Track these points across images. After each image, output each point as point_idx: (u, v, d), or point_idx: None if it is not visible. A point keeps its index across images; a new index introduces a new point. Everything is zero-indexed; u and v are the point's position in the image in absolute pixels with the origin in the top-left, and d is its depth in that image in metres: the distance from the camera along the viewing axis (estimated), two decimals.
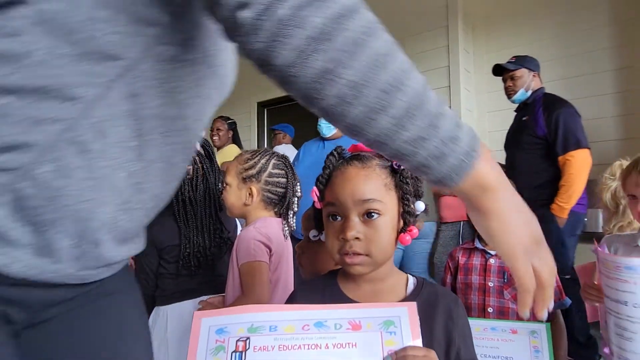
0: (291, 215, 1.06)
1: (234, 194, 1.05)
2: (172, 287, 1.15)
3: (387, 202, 0.60)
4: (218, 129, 3.02)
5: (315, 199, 0.65)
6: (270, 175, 1.04)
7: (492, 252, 1.22)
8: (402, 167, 0.62)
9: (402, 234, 0.62)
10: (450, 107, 2.75)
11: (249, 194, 1.03)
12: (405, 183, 0.62)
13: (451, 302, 0.63)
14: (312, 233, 0.77)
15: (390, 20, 3.10)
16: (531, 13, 3.05)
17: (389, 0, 3.41)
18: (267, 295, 0.94)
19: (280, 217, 1.07)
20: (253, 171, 1.03)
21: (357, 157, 0.64)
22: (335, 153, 0.66)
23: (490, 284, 1.18)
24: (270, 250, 0.99)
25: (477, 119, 3.19)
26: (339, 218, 0.61)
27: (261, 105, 4.45)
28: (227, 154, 2.90)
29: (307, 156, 2.40)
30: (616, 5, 2.72)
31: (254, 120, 4.47)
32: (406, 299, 0.62)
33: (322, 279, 0.70)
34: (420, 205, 0.64)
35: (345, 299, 0.62)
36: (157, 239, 1.13)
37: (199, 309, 1.00)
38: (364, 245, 0.59)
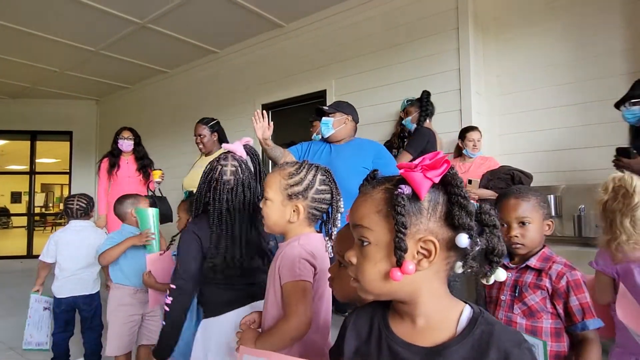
0: (335, 232, 1.00)
1: (278, 211, 0.98)
2: (216, 296, 1.19)
3: (377, 230, 0.56)
4: (200, 135, 2.82)
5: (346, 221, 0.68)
6: (317, 191, 0.99)
7: (511, 266, 1.19)
8: (398, 194, 0.54)
9: (393, 268, 0.55)
10: (460, 110, 2.72)
11: (294, 211, 0.98)
12: (397, 213, 0.53)
13: (511, 346, 0.52)
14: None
15: (401, 23, 3.09)
16: (542, 15, 3.03)
17: (401, 2, 3.38)
18: (309, 316, 0.90)
19: (320, 232, 1.03)
20: (299, 188, 0.97)
21: (371, 183, 0.62)
22: (368, 177, 0.65)
23: (503, 297, 1.16)
24: (315, 269, 0.94)
25: (487, 122, 3.17)
26: None
27: (265, 108, 4.40)
28: None
29: (314, 159, 2.30)
30: (629, 8, 2.71)
31: None
32: (453, 339, 0.55)
33: (373, 306, 0.66)
34: (461, 239, 0.54)
35: (390, 333, 0.60)
36: (205, 241, 1.17)
37: (238, 332, 0.96)
38: (354, 270, 0.59)
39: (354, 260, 0.59)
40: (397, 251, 0.54)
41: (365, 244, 0.57)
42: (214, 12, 3.79)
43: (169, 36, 4.23)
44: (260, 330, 0.98)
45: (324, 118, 2.25)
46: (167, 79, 5.54)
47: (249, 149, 1.33)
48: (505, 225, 1.16)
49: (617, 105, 2.31)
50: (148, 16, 3.81)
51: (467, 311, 0.58)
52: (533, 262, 1.14)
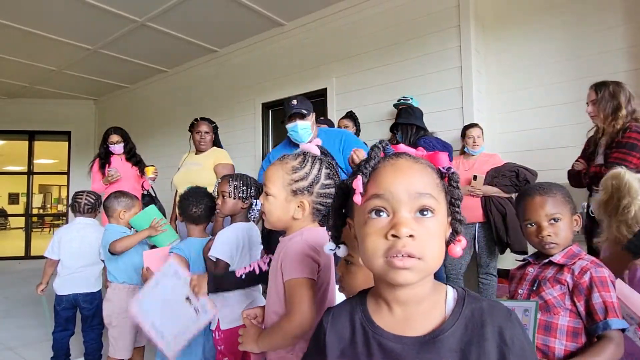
0: None
1: (281, 207, 0.93)
2: None
3: (440, 202, 0.54)
4: (206, 132, 2.80)
5: (360, 189, 0.55)
6: (323, 186, 0.94)
7: (534, 261, 1.15)
8: (451, 171, 0.57)
9: (451, 244, 0.56)
10: (462, 107, 2.70)
11: (299, 207, 0.93)
12: (456, 187, 0.57)
13: (503, 320, 0.52)
14: (328, 247, 0.67)
15: (403, 21, 3.05)
16: (542, 13, 3.01)
17: (402, 0, 3.37)
18: (313, 315, 0.86)
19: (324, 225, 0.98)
20: (305, 183, 0.92)
21: (406, 153, 0.58)
22: (380, 145, 0.59)
23: (520, 291, 1.12)
24: (319, 265, 0.91)
25: (488, 120, 3.15)
26: (385, 214, 0.52)
27: (265, 107, 4.38)
28: (220, 156, 2.77)
29: None
30: (629, 5, 2.69)
31: (259, 121, 4.40)
32: (445, 322, 0.53)
33: (350, 303, 0.62)
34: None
35: (376, 329, 0.55)
36: None
37: (241, 327, 0.93)
38: (417, 246, 0.50)
39: (415, 234, 0.51)
40: (458, 225, 0.56)
41: (428, 214, 0.52)
42: (213, 11, 3.77)
43: (168, 35, 4.20)
44: (263, 326, 0.95)
45: (300, 122, 1.95)
46: (167, 78, 5.51)
47: (321, 149, 1.28)
48: (534, 225, 1.09)
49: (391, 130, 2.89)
50: (147, 14, 3.79)
51: (451, 291, 0.56)
52: (557, 258, 1.08)
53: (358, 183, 0.55)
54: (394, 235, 0.50)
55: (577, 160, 2.27)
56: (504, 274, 2.70)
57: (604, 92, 2.08)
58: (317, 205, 0.95)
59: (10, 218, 13.26)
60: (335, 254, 0.97)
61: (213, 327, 1.57)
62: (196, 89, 5.13)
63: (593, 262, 1.06)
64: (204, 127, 2.80)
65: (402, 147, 0.60)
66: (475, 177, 2.59)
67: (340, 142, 1.99)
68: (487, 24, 3.23)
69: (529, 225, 1.11)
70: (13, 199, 13.10)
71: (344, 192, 0.63)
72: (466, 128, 2.84)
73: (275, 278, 0.92)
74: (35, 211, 10.96)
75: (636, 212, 1.17)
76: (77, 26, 4.02)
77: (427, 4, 3.24)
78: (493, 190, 2.57)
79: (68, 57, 4.78)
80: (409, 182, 0.53)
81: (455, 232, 0.57)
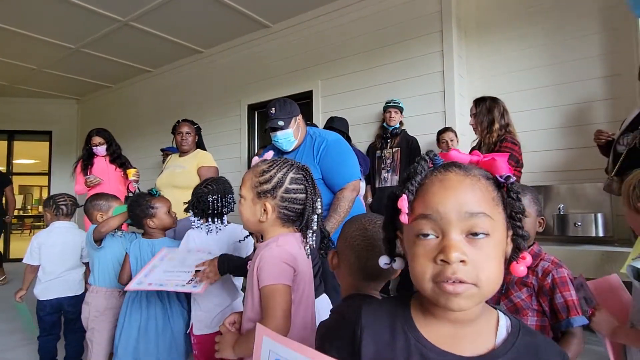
0: (310, 234, 0.97)
1: (249, 209, 0.96)
2: None
3: (496, 219, 0.49)
4: (188, 133, 2.78)
5: (405, 210, 0.50)
6: (287, 191, 0.94)
7: None
8: (511, 181, 0.51)
9: (513, 262, 0.52)
10: (444, 111, 2.75)
11: (264, 210, 0.94)
12: (516, 199, 0.50)
13: (555, 358, 0.50)
14: (383, 260, 0.62)
15: (386, 25, 3.08)
16: (522, 19, 3.09)
17: (385, 4, 3.41)
18: (287, 320, 0.88)
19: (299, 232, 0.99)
20: (268, 186, 0.93)
21: (455, 164, 0.52)
22: (427, 158, 0.54)
23: None
24: (295, 271, 0.92)
25: (469, 124, 3.21)
26: (433, 236, 0.48)
27: (251, 108, 4.37)
28: (203, 159, 2.76)
29: None
30: (606, 13, 2.78)
31: (245, 122, 4.38)
32: (498, 349, 0.49)
33: (392, 307, 0.57)
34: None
35: (420, 338, 0.51)
36: None
37: (217, 334, 0.93)
38: (470, 272, 0.46)
39: (467, 259, 0.46)
40: (521, 240, 0.51)
41: (481, 236, 0.47)
42: (199, 11, 3.74)
43: (153, 35, 4.15)
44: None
45: (279, 132, 1.83)
46: (151, 78, 5.45)
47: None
48: None
49: None
50: (131, 14, 3.74)
51: (504, 319, 0.53)
52: None
53: (403, 203, 0.50)
54: (443, 260, 0.47)
55: None
56: None
57: (482, 107, 2.24)
58: (282, 210, 0.95)
59: None
60: (310, 254, 0.99)
61: (187, 331, 1.57)
62: (181, 90, 5.08)
63: (554, 262, 1.13)
64: (185, 128, 2.79)
65: (454, 154, 0.55)
66: None
67: (319, 151, 1.83)
68: (469, 30, 3.29)
69: None
70: None
71: (393, 203, 0.58)
72: (440, 132, 2.89)
73: (252, 285, 0.93)
74: (15, 212, 10.65)
75: None
76: (59, 25, 3.94)
77: (411, 9, 3.28)
78: None
79: (49, 56, 4.68)
80: (459, 201, 0.48)
81: (517, 249, 0.52)
